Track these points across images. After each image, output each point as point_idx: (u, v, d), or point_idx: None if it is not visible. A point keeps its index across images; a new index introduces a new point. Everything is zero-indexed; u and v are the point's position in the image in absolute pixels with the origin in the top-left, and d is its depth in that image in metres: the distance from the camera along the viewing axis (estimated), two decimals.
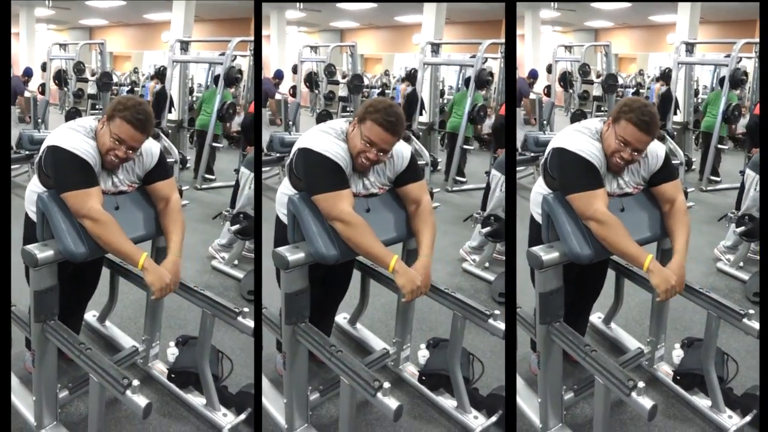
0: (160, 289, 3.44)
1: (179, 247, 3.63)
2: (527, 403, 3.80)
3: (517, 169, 9.45)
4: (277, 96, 11.89)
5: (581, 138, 3.48)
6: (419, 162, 3.75)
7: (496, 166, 6.07)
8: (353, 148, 3.46)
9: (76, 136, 3.46)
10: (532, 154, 8.79)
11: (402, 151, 3.66)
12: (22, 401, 3.70)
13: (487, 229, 5.83)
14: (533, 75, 12.55)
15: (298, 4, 16.14)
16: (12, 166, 9.12)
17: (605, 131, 3.48)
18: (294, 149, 3.56)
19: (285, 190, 3.64)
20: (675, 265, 3.46)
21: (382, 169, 3.62)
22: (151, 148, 3.70)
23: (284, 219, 3.68)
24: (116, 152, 3.47)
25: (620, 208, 3.57)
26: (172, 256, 3.57)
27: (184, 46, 10.84)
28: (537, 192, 3.72)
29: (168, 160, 3.90)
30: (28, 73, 13.50)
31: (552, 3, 15.84)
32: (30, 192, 3.64)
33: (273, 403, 3.79)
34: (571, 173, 3.46)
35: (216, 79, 10.30)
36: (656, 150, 3.62)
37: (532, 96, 12.48)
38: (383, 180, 3.64)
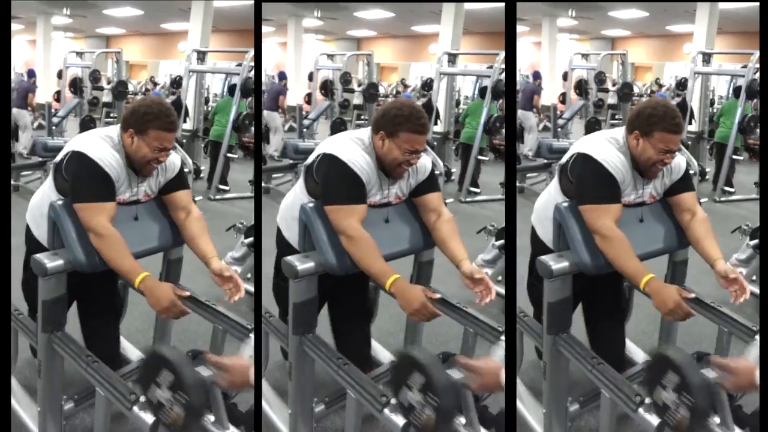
0: (163, 310, 3.30)
1: (213, 248, 3.59)
2: (532, 414, 3.78)
3: (530, 175, 9.44)
4: (293, 103, 11.94)
5: (609, 148, 3.45)
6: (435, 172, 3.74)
7: None
8: (393, 161, 3.44)
9: (103, 147, 3.43)
10: (545, 161, 8.78)
11: (423, 161, 3.63)
12: (26, 412, 3.68)
13: (501, 241, 5.79)
14: (537, 76, 12.56)
15: (315, 12, 16.19)
16: (24, 173, 9.18)
17: (634, 146, 3.43)
18: (317, 152, 3.52)
19: (299, 195, 3.60)
20: (722, 270, 3.45)
21: (405, 178, 3.60)
22: (173, 158, 3.69)
23: (284, 232, 3.69)
24: (158, 158, 3.48)
25: (639, 218, 3.56)
26: (215, 258, 3.54)
27: (201, 56, 10.88)
28: (547, 199, 3.71)
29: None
30: (31, 74, 13.56)
31: (569, 11, 15.82)
32: (36, 201, 3.64)
33: (278, 414, 3.77)
34: (590, 182, 3.44)
35: (231, 89, 10.32)
36: (677, 159, 3.59)
37: (547, 103, 12.48)
38: (404, 189, 3.61)
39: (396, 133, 3.39)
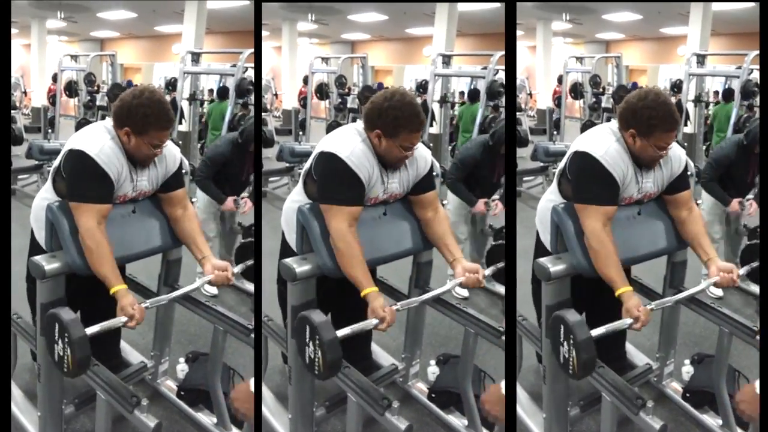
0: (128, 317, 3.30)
1: (208, 247, 3.71)
2: (532, 419, 3.76)
3: (526, 179, 9.42)
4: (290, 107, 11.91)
5: (608, 142, 3.41)
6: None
7: None
8: (392, 159, 3.43)
9: (102, 141, 3.41)
10: (542, 164, 8.76)
11: (424, 155, 3.63)
12: (26, 417, 3.66)
13: (500, 241, 5.77)
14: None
15: (309, 15, 16.17)
16: (21, 176, 9.15)
17: (632, 143, 3.38)
18: (315, 151, 3.50)
19: (296, 198, 3.59)
20: (717, 269, 3.47)
21: (406, 173, 3.57)
22: (174, 153, 3.70)
23: (287, 236, 3.67)
24: (156, 153, 3.47)
25: (637, 212, 3.56)
26: (210, 256, 3.66)
27: (195, 57, 10.85)
28: (545, 205, 3.67)
29: None
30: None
31: (563, 14, 15.84)
32: (36, 205, 3.62)
33: (277, 418, 3.75)
34: (587, 181, 3.41)
35: (219, 92, 10.31)
36: (679, 154, 3.58)
37: (543, 107, 12.47)
38: (404, 184, 3.58)
39: (397, 134, 3.36)
